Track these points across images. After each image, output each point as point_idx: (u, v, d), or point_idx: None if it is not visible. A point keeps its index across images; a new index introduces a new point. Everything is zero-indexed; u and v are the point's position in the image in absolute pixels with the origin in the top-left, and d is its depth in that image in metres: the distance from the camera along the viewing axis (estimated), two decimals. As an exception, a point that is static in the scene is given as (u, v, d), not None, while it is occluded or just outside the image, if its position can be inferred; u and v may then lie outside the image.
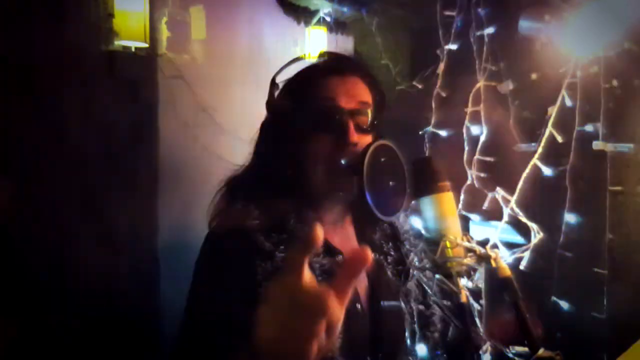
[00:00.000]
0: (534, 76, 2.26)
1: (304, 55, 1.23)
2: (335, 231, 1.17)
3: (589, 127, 2.09)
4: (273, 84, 1.20)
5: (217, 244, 1.10)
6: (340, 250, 1.14)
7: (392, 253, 1.23)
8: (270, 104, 1.19)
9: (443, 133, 2.69)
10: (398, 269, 1.22)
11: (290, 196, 1.10)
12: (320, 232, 0.62)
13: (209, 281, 1.06)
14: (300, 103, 1.13)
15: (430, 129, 2.71)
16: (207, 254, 1.10)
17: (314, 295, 0.61)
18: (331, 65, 1.19)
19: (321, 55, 1.24)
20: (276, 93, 1.20)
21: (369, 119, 1.13)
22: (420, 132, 2.74)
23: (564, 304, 2.14)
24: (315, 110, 1.11)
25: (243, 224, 1.06)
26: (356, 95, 1.13)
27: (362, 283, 1.15)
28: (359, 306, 1.12)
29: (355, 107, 1.11)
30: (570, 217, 2.13)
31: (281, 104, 1.17)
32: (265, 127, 1.21)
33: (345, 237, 1.20)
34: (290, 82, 1.20)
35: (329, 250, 1.12)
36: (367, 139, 1.11)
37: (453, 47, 2.62)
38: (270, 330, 0.62)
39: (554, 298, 2.16)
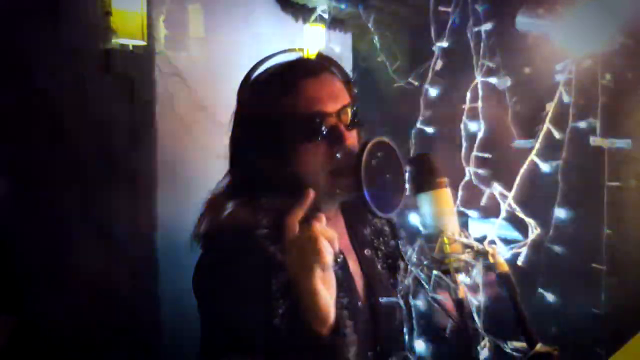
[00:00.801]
0: (528, 71, 2.26)
1: (265, 58, 1.20)
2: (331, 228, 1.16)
3: (586, 123, 2.10)
4: (241, 94, 1.17)
5: (230, 255, 1.05)
6: (342, 250, 1.13)
7: (383, 247, 1.24)
8: (243, 115, 1.16)
9: (430, 130, 2.69)
10: (388, 262, 1.23)
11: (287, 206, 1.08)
12: (310, 195, 0.92)
13: (224, 296, 1.03)
14: (283, 112, 1.09)
15: (417, 125, 2.70)
16: (220, 267, 1.05)
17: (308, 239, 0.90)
18: (304, 67, 1.17)
19: (286, 53, 1.22)
20: (246, 101, 1.16)
21: (350, 115, 1.12)
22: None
23: (562, 299, 2.15)
24: (303, 119, 1.08)
25: (250, 232, 1.04)
26: (338, 95, 1.11)
27: (358, 281, 1.16)
28: (360, 304, 1.12)
29: (340, 108, 1.10)
30: (567, 213, 2.14)
31: (260, 115, 1.12)
32: (242, 139, 1.16)
33: (339, 235, 1.19)
34: (262, 87, 1.16)
35: None
36: (354, 134, 1.11)
37: (449, 43, 2.61)
38: (293, 268, 0.91)
39: (551, 293, 2.17)
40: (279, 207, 1.05)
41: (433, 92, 2.69)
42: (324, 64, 1.18)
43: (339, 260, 1.11)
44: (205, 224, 1.13)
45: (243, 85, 1.19)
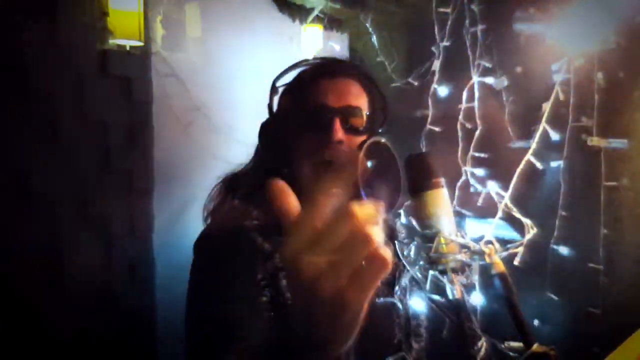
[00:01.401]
0: (524, 71, 2.27)
1: (306, 59, 1.24)
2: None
3: (582, 123, 2.10)
4: (273, 88, 1.21)
5: (215, 244, 1.09)
6: None
7: None
8: (269, 106, 1.21)
9: (439, 130, 2.70)
10: (387, 277, 1.22)
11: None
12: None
13: (210, 281, 1.06)
14: (293, 105, 1.15)
15: (427, 126, 2.72)
16: (206, 254, 1.09)
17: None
18: (324, 68, 1.19)
19: (318, 59, 1.24)
20: (276, 97, 1.21)
21: (363, 120, 1.13)
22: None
23: (559, 299, 2.15)
24: (304, 109, 1.12)
25: (240, 223, 1.07)
26: (346, 95, 1.13)
27: None
28: None
29: (343, 106, 1.11)
30: (564, 213, 2.14)
31: (278, 107, 1.19)
32: (263, 127, 1.22)
33: None
34: (287, 86, 1.21)
35: None
36: (359, 139, 1.11)
37: (447, 43, 2.62)
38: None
39: (548, 293, 2.17)
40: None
41: (432, 92, 2.70)
42: (345, 67, 1.20)
43: None
44: (213, 201, 1.18)
45: (274, 82, 1.22)
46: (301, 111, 1.13)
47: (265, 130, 1.21)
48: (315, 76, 1.16)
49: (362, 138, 1.12)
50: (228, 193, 1.19)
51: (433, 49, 2.68)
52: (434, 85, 2.69)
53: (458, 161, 2.50)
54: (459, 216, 2.39)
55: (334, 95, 1.12)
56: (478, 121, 2.46)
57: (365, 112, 1.15)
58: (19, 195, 1.89)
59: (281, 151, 1.14)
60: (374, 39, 2.99)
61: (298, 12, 2.94)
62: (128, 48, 2.16)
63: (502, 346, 0.89)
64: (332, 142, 1.08)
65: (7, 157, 1.88)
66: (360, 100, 1.16)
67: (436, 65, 2.67)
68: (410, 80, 2.82)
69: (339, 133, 1.09)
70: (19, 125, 1.91)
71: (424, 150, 2.70)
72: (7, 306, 1.82)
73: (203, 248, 1.10)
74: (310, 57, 1.27)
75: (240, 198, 1.15)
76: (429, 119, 2.71)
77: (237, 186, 1.19)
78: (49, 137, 1.97)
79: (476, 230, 2.35)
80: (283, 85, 1.22)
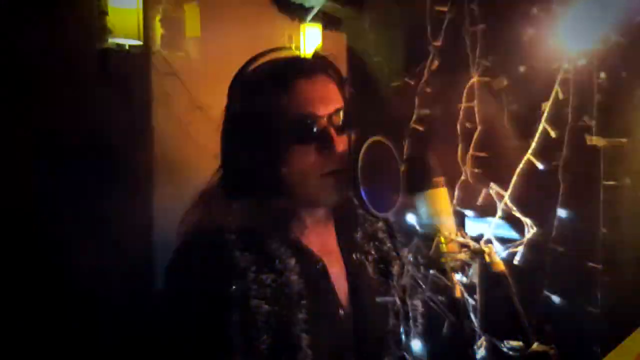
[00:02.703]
0: (524, 70, 2.27)
1: (260, 54, 1.16)
2: (315, 232, 1.15)
3: (582, 123, 2.10)
4: (234, 90, 1.13)
5: (189, 260, 1.09)
6: (321, 257, 1.12)
7: (374, 252, 1.21)
8: (233, 111, 1.13)
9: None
10: (380, 267, 1.21)
11: (270, 208, 1.07)
12: None
13: (179, 296, 1.07)
14: (273, 110, 1.06)
15: (411, 124, 2.72)
16: (178, 271, 1.10)
17: None
18: (297, 66, 1.13)
19: (281, 50, 1.18)
20: (237, 97, 1.13)
21: (341, 118, 1.09)
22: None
23: (558, 298, 2.16)
24: (294, 119, 1.05)
25: (218, 239, 1.04)
26: (330, 99, 1.08)
27: (342, 287, 1.14)
28: (341, 312, 1.11)
29: (331, 112, 1.06)
30: (563, 212, 2.14)
31: (250, 112, 1.09)
32: (232, 135, 1.14)
33: (325, 239, 1.18)
34: (254, 84, 1.12)
35: (309, 257, 1.10)
36: (344, 138, 1.08)
37: (446, 42, 2.62)
38: None
39: (547, 292, 2.18)
40: (250, 211, 1.06)
41: (429, 91, 2.70)
42: (318, 64, 1.14)
43: (317, 266, 1.11)
44: (187, 221, 1.16)
45: (235, 81, 1.14)
46: (288, 121, 1.04)
47: (235, 138, 1.12)
48: (291, 77, 1.08)
49: (345, 135, 1.09)
50: (205, 211, 1.14)
51: (432, 48, 2.68)
52: (433, 85, 2.69)
53: (458, 160, 2.50)
54: (459, 215, 2.39)
55: (321, 102, 1.06)
56: (478, 120, 2.46)
57: (344, 107, 1.11)
58: (18, 195, 1.89)
59: (264, 164, 1.06)
60: (373, 38, 2.99)
61: (297, 11, 2.94)
62: (127, 47, 2.16)
63: (502, 345, 0.89)
64: (335, 153, 1.04)
65: (6, 157, 1.88)
66: (339, 97, 1.11)
67: (434, 64, 2.67)
68: (407, 79, 2.82)
69: (339, 142, 1.05)
70: (18, 124, 1.90)
71: (405, 149, 2.68)
72: (6, 306, 1.82)
73: (177, 267, 1.11)
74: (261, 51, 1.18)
75: (219, 213, 1.10)
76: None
77: (214, 203, 1.14)
78: (47, 137, 1.97)
79: (476, 229, 2.35)
80: (244, 81, 1.13)
